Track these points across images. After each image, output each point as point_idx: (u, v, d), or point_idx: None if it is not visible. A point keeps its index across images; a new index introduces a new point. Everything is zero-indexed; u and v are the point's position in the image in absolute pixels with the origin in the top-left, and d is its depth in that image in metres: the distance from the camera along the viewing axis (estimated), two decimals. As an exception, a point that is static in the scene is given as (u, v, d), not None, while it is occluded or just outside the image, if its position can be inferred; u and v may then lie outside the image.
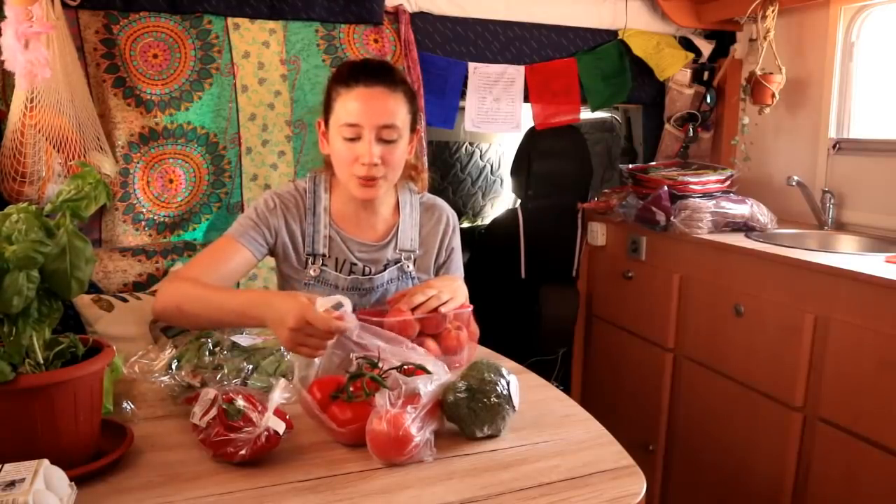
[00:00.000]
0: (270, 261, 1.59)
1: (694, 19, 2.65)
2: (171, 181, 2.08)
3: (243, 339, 1.28)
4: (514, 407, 1.08)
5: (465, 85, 2.47)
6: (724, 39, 2.73)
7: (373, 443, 0.99)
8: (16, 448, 0.87)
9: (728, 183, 2.41)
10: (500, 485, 0.94)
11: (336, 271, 1.52)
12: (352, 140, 1.41)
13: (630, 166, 2.58)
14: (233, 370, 1.18)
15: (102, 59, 1.96)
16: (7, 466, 0.81)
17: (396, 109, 1.41)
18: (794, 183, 2.38)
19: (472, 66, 2.46)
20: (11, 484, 0.77)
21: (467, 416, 1.05)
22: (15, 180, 1.78)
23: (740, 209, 2.28)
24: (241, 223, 1.49)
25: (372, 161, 1.39)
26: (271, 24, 2.15)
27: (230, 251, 1.45)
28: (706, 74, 2.71)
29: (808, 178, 2.43)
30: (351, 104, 1.40)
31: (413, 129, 1.49)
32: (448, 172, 3.46)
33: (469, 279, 1.61)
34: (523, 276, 2.89)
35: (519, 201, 2.98)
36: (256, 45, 2.14)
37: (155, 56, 2.01)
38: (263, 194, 1.54)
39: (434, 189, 1.75)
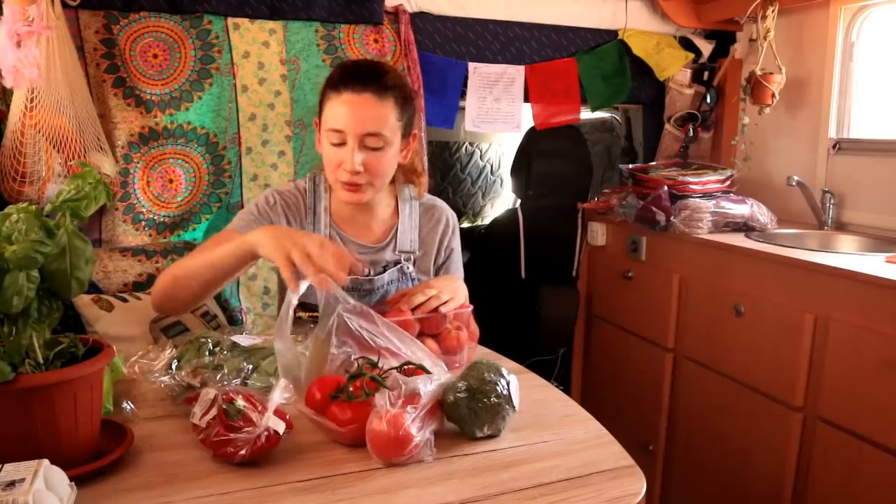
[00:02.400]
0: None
1: (694, 19, 2.65)
2: (171, 181, 2.08)
3: (243, 339, 1.28)
4: (514, 407, 1.08)
5: (465, 85, 2.47)
6: (724, 39, 2.73)
7: (373, 443, 0.99)
8: (16, 448, 0.87)
9: (728, 183, 2.41)
10: (500, 485, 0.94)
11: (336, 272, 1.52)
12: (337, 145, 1.41)
13: (630, 166, 2.58)
14: (233, 370, 1.18)
15: (102, 59, 1.96)
16: (7, 466, 0.81)
17: (383, 117, 1.39)
18: (794, 183, 2.38)
19: (472, 66, 2.46)
20: (11, 484, 0.77)
21: (467, 416, 1.05)
22: (15, 180, 1.78)
23: (740, 209, 2.28)
24: (243, 217, 1.50)
25: (354, 169, 1.39)
26: (271, 24, 2.15)
27: None
28: (706, 74, 2.71)
29: (808, 178, 2.43)
30: (338, 109, 1.39)
31: (407, 135, 1.48)
32: (448, 172, 3.46)
33: (469, 279, 1.61)
34: (523, 276, 2.89)
35: (519, 201, 2.98)
36: (256, 45, 2.14)
37: (155, 56, 2.01)
38: (265, 191, 1.54)
39: (434, 189, 1.75)
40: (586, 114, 2.89)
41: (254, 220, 1.48)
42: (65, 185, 0.95)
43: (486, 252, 3.12)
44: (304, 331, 1.32)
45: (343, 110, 1.39)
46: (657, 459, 2.40)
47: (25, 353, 0.91)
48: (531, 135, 2.82)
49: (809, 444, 1.85)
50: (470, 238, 2.99)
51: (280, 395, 1.00)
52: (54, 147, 1.76)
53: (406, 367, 1.11)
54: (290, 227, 1.26)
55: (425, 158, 2.34)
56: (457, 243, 1.66)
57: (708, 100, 2.71)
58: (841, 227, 2.38)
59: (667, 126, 2.77)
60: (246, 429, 0.96)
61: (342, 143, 1.40)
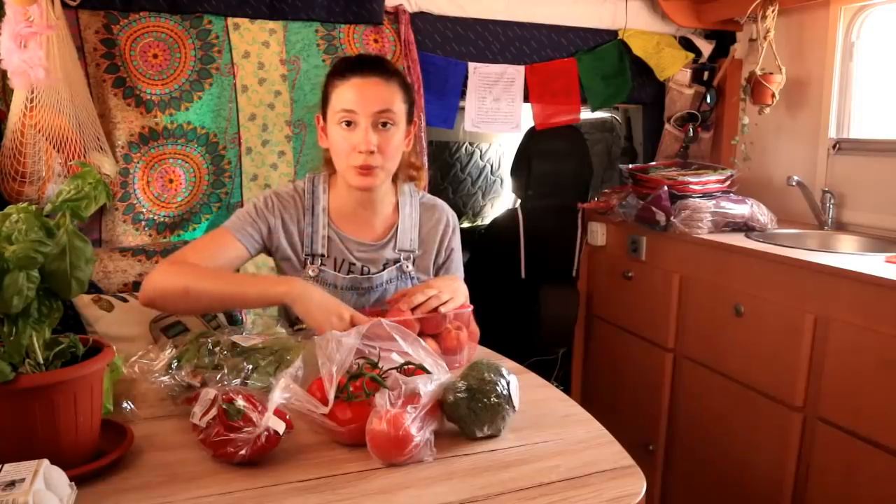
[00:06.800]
0: (270, 260, 1.59)
1: (694, 19, 2.65)
2: (171, 181, 2.08)
3: (243, 339, 1.28)
4: (514, 407, 1.08)
5: (465, 85, 2.47)
6: (724, 39, 2.73)
7: (373, 443, 0.99)
8: (16, 448, 0.87)
9: (728, 183, 2.41)
10: (500, 485, 0.94)
11: (335, 271, 1.53)
12: (348, 128, 1.43)
13: (630, 166, 2.58)
14: (233, 370, 1.18)
15: (102, 59, 1.96)
16: (7, 466, 0.81)
17: (392, 97, 1.44)
18: (794, 183, 2.38)
19: (472, 66, 2.46)
20: (11, 484, 0.77)
21: (467, 416, 1.05)
22: (15, 180, 1.78)
23: (740, 209, 2.28)
24: (239, 217, 1.50)
25: (369, 148, 1.41)
26: (271, 24, 2.15)
27: (225, 243, 1.46)
28: (706, 74, 2.71)
29: (808, 178, 2.43)
30: (347, 93, 1.43)
31: (409, 121, 1.51)
32: (448, 172, 3.46)
33: (469, 279, 1.61)
34: (523, 276, 2.89)
35: (519, 201, 2.98)
36: (256, 45, 2.14)
37: (155, 56, 2.01)
38: (263, 193, 1.55)
39: (434, 189, 1.75)
40: (586, 114, 2.89)
41: (250, 221, 1.50)
42: (65, 185, 0.95)
43: (486, 252, 3.12)
44: (305, 335, 1.32)
45: (353, 92, 1.43)
46: (657, 459, 2.40)
47: (25, 353, 0.91)
48: (531, 135, 2.82)
49: (809, 444, 1.85)
50: (470, 238, 2.99)
51: (280, 395, 1.00)
52: (54, 147, 1.76)
53: (406, 367, 1.11)
54: (319, 292, 1.34)
55: (425, 156, 2.34)
56: (457, 243, 1.66)
57: (708, 100, 2.71)
58: (841, 227, 2.38)
59: (667, 126, 2.77)
60: (246, 429, 0.96)
61: (353, 126, 1.43)
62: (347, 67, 1.45)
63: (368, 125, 1.41)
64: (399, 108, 1.45)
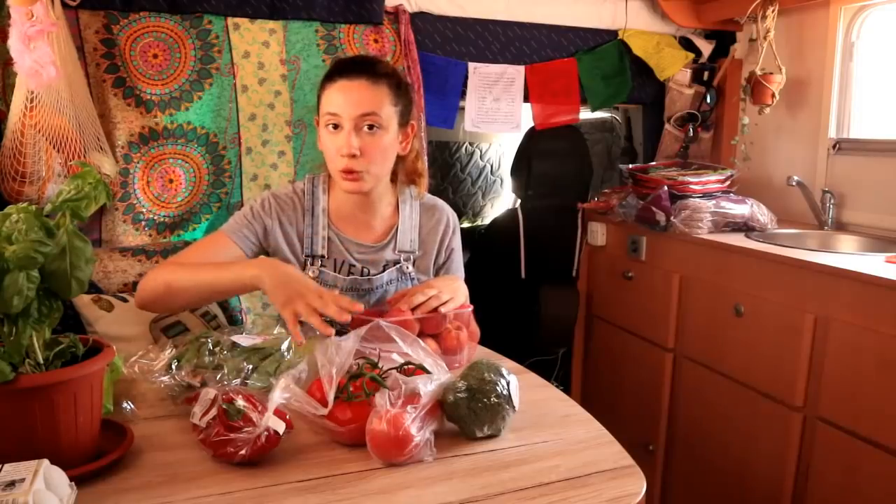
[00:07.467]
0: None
1: (694, 19, 2.65)
2: (171, 181, 2.08)
3: (243, 339, 1.28)
4: (514, 407, 1.08)
5: (465, 85, 2.47)
6: (724, 39, 2.73)
7: (373, 443, 0.99)
8: (16, 448, 0.87)
9: (728, 183, 2.41)
10: (500, 485, 0.94)
11: (335, 272, 1.53)
12: (335, 131, 1.43)
13: (630, 166, 2.58)
14: (233, 370, 1.18)
15: (102, 59, 1.96)
16: (7, 466, 0.81)
17: (377, 100, 1.42)
18: (794, 183, 2.38)
19: (472, 66, 2.46)
20: (11, 484, 0.77)
21: (467, 416, 1.05)
22: (15, 180, 1.78)
23: (740, 209, 2.28)
24: (236, 220, 1.51)
25: (350, 152, 1.40)
26: (271, 24, 2.15)
27: (221, 246, 1.47)
28: (706, 74, 2.71)
29: (808, 178, 2.43)
30: (333, 96, 1.43)
31: (404, 125, 1.50)
32: (448, 172, 3.46)
33: (469, 279, 1.61)
34: (523, 276, 2.89)
35: (519, 201, 2.98)
36: (256, 45, 2.14)
37: (155, 56, 2.01)
38: (261, 194, 1.55)
39: (434, 189, 1.75)
40: (586, 114, 2.89)
41: (247, 224, 1.49)
42: (65, 185, 0.95)
43: (486, 252, 3.12)
44: (306, 337, 1.32)
45: (338, 95, 1.42)
46: (657, 459, 2.40)
47: (25, 353, 0.91)
48: (531, 135, 2.82)
49: (809, 444, 1.85)
50: (470, 238, 2.98)
51: (280, 395, 1.00)
52: (54, 147, 1.76)
53: (406, 366, 1.11)
54: (291, 270, 1.32)
55: (426, 159, 2.33)
56: (457, 243, 1.66)
57: (708, 100, 2.71)
58: (841, 227, 2.38)
59: (667, 126, 2.77)
60: (246, 429, 0.96)
61: (339, 129, 1.43)
62: (336, 69, 1.45)
63: (351, 128, 1.41)
64: (387, 111, 1.44)
